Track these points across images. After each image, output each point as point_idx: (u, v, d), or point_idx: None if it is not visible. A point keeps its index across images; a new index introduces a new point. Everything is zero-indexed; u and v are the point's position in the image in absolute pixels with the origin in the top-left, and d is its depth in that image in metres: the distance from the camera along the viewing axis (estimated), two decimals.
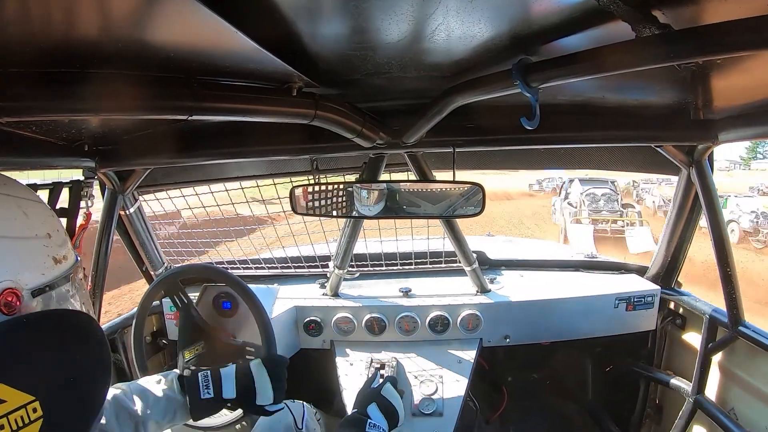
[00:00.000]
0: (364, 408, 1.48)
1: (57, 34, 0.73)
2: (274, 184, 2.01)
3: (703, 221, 1.75)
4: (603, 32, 0.85)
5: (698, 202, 1.72)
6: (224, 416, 1.66)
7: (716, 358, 1.81)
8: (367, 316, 2.04)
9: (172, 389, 1.38)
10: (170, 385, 1.39)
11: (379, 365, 1.92)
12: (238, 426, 1.75)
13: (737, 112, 1.31)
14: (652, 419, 2.24)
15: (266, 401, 1.46)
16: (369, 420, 1.42)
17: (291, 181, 1.89)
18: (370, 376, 1.88)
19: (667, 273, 2.08)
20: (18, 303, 0.71)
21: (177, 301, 1.71)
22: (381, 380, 1.60)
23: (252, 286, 1.75)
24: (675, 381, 2.03)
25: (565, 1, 0.77)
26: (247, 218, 2.28)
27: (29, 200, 0.82)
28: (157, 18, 0.70)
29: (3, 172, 0.85)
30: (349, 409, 1.90)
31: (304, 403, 1.91)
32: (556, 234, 15.40)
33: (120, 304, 8.13)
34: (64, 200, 1.49)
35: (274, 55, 0.85)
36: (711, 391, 1.84)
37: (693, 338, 1.97)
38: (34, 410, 0.65)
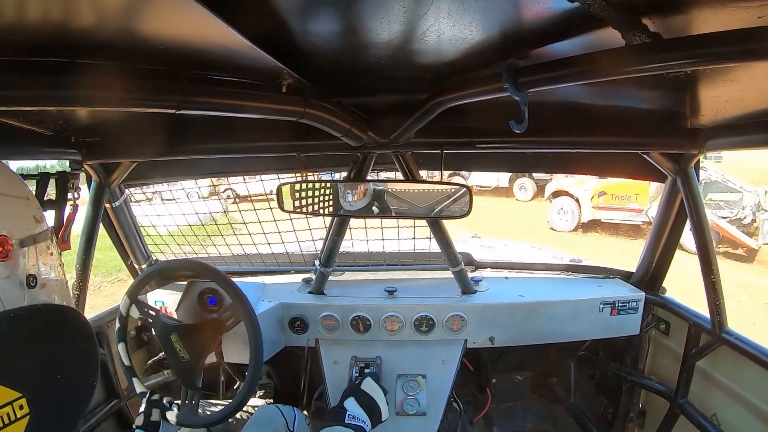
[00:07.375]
0: (342, 402, 1.53)
1: (47, 23, 0.72)
2: (261, 181, 1.99)
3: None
4: (593, 39, 0.85)
5: (683, 209, 1.73)
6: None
7: (699, 363, 1.83)
8: (353, 315, 2.03)
9: None
10: None
11: (363, 364, 1.91)
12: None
13: (725, 121, 1.32)
14: (635, 423, 2.25)
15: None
16: (348, 412, 1.46)
17: (278, 178, 1.87)
18: (353, 374, 1.87)
19: (652, 278, 2.09)
20: (10, 249, 0.78)
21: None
22: (361, 376, 1.64)
23: (238, 281, 1.73)
24: (658, 385, 2.04)
25: (556, 6, 0.77)
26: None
27: (7, 167, 0.91)
28: (148, 10, 0.70)
29: None
30: None
31: (295, 408, 1.90)
32: None
33: None
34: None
35: (265, 51, 0.85)
36: (694, 396, 1.86)
37: (676, 343, 1.98)
38: (21, 407, 0.65)
